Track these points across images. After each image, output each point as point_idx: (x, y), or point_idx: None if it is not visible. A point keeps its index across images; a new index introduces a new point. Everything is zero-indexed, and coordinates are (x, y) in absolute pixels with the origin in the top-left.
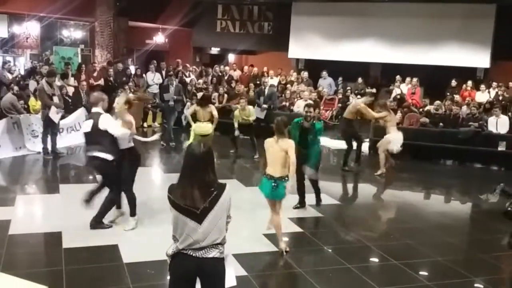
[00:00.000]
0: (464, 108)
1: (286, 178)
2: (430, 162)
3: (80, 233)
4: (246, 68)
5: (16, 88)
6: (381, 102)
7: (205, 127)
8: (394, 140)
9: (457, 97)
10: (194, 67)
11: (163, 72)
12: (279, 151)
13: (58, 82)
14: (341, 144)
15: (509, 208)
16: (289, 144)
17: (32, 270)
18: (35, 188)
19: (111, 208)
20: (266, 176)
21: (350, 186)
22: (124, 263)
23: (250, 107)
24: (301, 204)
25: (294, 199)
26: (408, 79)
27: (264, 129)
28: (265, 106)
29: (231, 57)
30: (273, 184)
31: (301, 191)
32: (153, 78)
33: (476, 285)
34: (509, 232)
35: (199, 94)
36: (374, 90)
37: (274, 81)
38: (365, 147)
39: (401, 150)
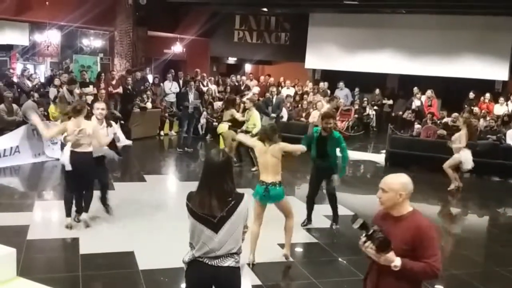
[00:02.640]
0: (482, 120)
1: (278, 184)
2: (447, 175)
3: (97, 239)
4: (262, 78)
5: (36, 95)
6: (467, 117)
7: (220, 126)
8: (466, 160)
9: (476, 109)
10: (211, 77)
11: (180, 81)
12: (271, 158)
13: (77, 90)
14: (358, 155)
15: (364, 239)
16: (280, 147)
17: (49, 275)
18: (53, 194)
19: None
20: (259, 183)
21: (365, 197)
22: (139, 270)
23: (256, 113)
24: (309, 220)
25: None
26: (428, 92)
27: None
28: (273, 115)
29: (248, 67)
30: (264, 190)
31: (310, 207)
32: (171, 87)
33: None
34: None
35: (216, 104)
36: (390, 102)
37: (291, 91)
38: (381, 158)
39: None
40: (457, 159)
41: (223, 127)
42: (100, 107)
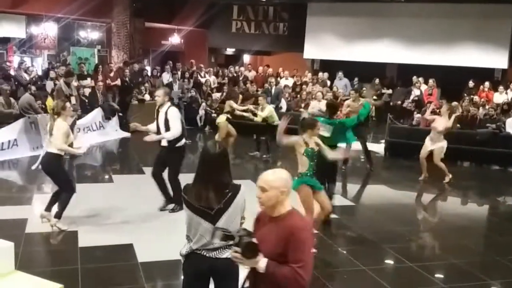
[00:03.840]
0: (482, 109)
1: (297, 175)
2: (446, 164)
3: (96, 232)
4: (261, 68)
5: (33, 88)
6: (453, 106)
7: (219, 117)
8: (445, 147)
9: (475, 98)
10: (210, 68)
11: (179, 73)
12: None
13: (74, 82)
14: (357, 145)
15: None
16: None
17: (48, 268)
18: (51, 188)
19: None
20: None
21: (364, 187)
22: (138, 262)
23: (270, 107)
24: None
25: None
26: (430, 81)
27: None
28: (272, 105)
29: (246, 58)
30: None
31: None
32: (169, 79)
33: None
34: None
35: (214, 95)
36: (390, 91)
37: (289, 82)
38: (380, 148)
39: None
40: (441, 148)
41: (221, 118)
42: (156, 94)
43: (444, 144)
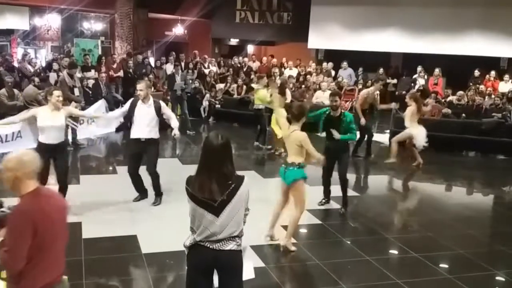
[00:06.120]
0: (487, 98)
1: (297, 164)
2: (452, 154)
3: (100, 223)
4: (265, 59)
5: (37, 80)
6: (412, 94)
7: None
8: (417, 136)
9: (481, 87)
10: (212, 59)
11: (182, 64)
12: (292, 142)
13: (78, 74)
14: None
15: None
16: (302, 138)
17: None
18: (55, 179)
19: None
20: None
21: (369, 177)
22: (142, 253)
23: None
24: (327, 200)
25: (317, 193)
26: (436, 70)
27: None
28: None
29: (250, 48)
30: (283, 170)
31: (326, 186)
32: (172, 70)
33: (497, 278)
34: None
35: (218, 86)
36: (394, 81)
37: (293, 72)
38: (385, 138)
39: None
40: (407, 134)
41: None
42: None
43: (410, 130)
